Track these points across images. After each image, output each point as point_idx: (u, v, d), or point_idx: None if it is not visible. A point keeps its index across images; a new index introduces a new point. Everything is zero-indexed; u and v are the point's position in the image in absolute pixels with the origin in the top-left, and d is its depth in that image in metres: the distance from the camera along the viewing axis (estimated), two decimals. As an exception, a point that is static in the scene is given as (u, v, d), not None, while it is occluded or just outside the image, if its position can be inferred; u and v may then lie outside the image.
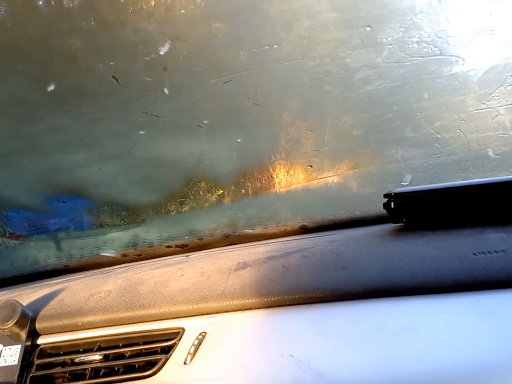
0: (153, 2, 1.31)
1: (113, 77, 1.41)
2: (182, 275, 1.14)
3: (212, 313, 1.00)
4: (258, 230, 1.65)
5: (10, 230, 1.75)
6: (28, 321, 1.05)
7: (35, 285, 1.50)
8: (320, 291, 0.96)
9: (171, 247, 1.70)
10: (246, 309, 0.99)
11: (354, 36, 1.33)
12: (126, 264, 1.64)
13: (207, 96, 1.44)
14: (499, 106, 1.38)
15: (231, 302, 0.99)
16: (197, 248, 1.69)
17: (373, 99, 1.40)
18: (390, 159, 1.45)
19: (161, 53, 1.36)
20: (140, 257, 1.69)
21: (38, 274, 1.70)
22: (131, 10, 1.31)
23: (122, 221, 1.71)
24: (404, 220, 1.22)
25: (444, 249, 0.99)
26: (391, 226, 1.26)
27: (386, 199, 1.22)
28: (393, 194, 1.20)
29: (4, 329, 1.01)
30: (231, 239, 1.66)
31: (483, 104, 1.39)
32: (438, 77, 1.37)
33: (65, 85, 1.46)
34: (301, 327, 0.92)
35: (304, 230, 1.61)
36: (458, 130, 1.41)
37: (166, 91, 1.43)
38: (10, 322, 1.01)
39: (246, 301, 0.99)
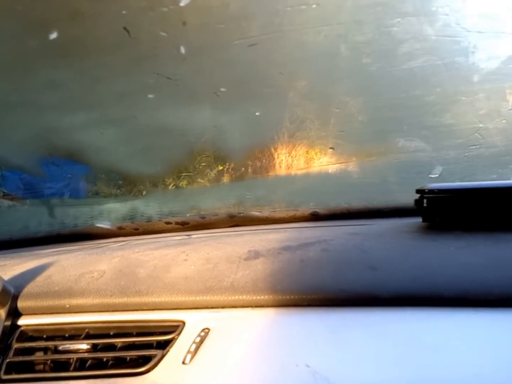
0: None
1: (125, 28, 1.26)
2: (186, 259, 1.02)
3: (218, 307, 0.89)
4: (265, 213, 1.54)
5: (4, 191, 1.63)
6: (9, 298, 0.93)
7: (23, 253, 1.38)
8: (344, 293, 0.84)
9: (170, 223, 1.58)
10: (257, 306, 0.87)
11: (406, 1, 1.18)
12: (121, 238, 1.53)
13: (228, 59, 1.30)
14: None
15: (240, 297, 0.87)
16: (199, 226, 1.57)
17: (415, 77, 1.26)
18: (422, 147, 1.32)
19: (181, 4, 1.21)
20: (137, 231, 1.57)
21: (28, 241, 1.58)
22: None
23: (120, 192, 1.59)
24: (436, 219, 1.10)
25: (489, 256, 0.87)
26: (419, 222, 1.14)
27: (418, 195, 1.09)
28: (426, 190, 1.07)
29: (-20, 306, 0.89)
30: (235, 220, 1.55)
31: (539, 94, 1.25)
32: (494, 57, 1.22)
33: (69, 34, 1.30)
34: (320, 333, 0.80)
35: (315, 217, 1.49)
36: (504, 121, 1.28)
37: (182, 50, 1.28)
38: (-13, 299, 0.88)
39: (258, 297, 0.87)
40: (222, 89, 1.32)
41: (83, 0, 1.25)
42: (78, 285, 0.97)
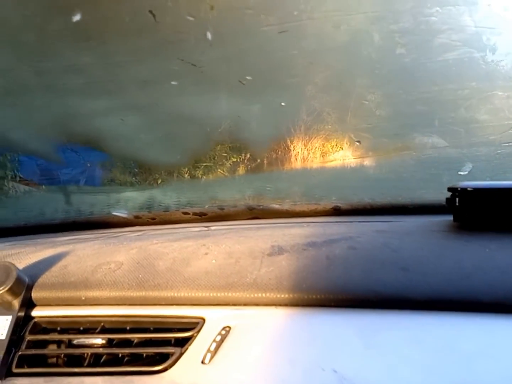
0: None
1: (150, 12, 1.21)
2: (206, 253, 0.98)
3: (240, 305, 0.84)
4: (285, 206, 1.50)
5: (21, 175, 1.61)
6: (23, 288, 0.89)
7: (38, 240, 1.35)
8: (374, 294, 0.80)
9: (188, 214, 1.54)
10: (281, 305, 0.83)
11: None
12: (138, 228, 1.50)
13: (256, 46, 1.25)
14: None
15: (263, 295, 0.83)
16: (217, 218, 1.53)
17: (450, 70, 1.20)
18: (453, 143, 1.26)
19: (210, -13, 1.16)
20: (153, 221, 1.54)
21: (43, 227, 1.56)
22: None
23: (138, 181, 1.55)
24: (469, 218, 1.05)
25: (529, 260, 0.82)
26: (450, 221, 1.09)
27: (450, 193, 1.04)
28: (459, 188, 1.02)
29: (-6, 295, 0.86)
30: (255, 213, 1.51)
31: None
32: (539, 51, 1.16)
33: (92, 17, 1.26)
34: (348, 336, 0.76)
35: (337, 211, 1.44)
36: (542, 118, 1.21)
37: (209, 36, 1.23)
38: (2, 288, 0.86)
39: (282, 296, 0.82)
40: (248, 77, 1.27)
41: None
42: (94, 276, 0.93)
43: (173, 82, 1.33)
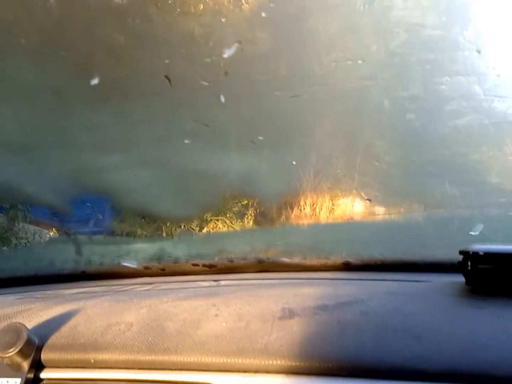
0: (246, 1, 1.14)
1: (166, 76, 1.25)
2: (217, 314, 0.97)
3: (250, 372, 0.83)
4: (295, 259, 1.50)
5: (32, 226, 1.63)
6: (33, 350, 0.89)
7: (48, 293, 1.35)
8: (386, 365, 0.78)
9: (197, 265, 1.54)
10: (292, 373, 0.81)
11: (457, 60, 1.15)
12: (147, 279, 1.49)
13: (269, 109, 1.28)
14: None
15: (274, 362, 0.82)
16: (226, 270, 1.53)
17: (461, 135, 1.22)
18: (464, 203, 1.27)
19: (225, 55, 1.20)
20: (163, 272, 1.54)
21: (53, 277, 1.56)
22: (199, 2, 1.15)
23: (149, 233, 1.56)
24: (481, 283, 1.03)
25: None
26: (461, 284, 1.08)
27: (461, 256, 1.03)
28: (471, 252, 1.01)
29: (4, 357, 0.85)
30: (264, 266, 1.51)
31: None
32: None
33: (110, 80, 1.31)
34: (360, 408, 0.74)
35: (347, 266, 1.44)
36: (554, 182, 1.22)
37: (222, 98, 1.27)
38: (12, 350, 0.85)
39: (293, 364, 0.81)
40: (260, 137, 1.29)
41: (128, 48, 1.25)
42: (104, 338, 0.93)
43: (186, 141, 1.36)
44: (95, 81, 1.25)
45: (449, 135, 1.23)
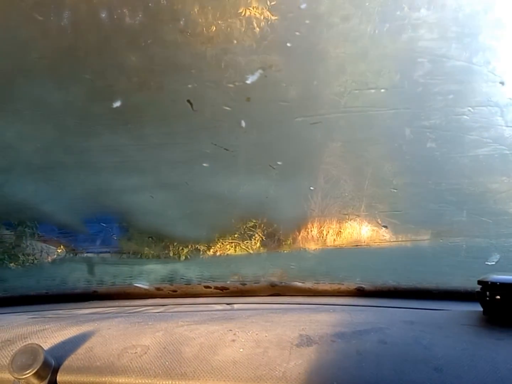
0: (256, 26, 1.16)
1: (188, 101, 1.27)
2: (233, 340, 0.97)
3: (268, 400, 0.82)
4: (308, 284, 1.49)
5: (45, 244, 1.63)
6: (49, 371, 0.88)
7: (60, 313, 1.35)
8: (407, 397, 0.77)
9: (209, 287, 1.54)
10: (310, 403, 0.80)
11: (480, 91, 1.15)
12: (159, 301, 1.49)
13: (288, 135, 1.29)
14: None
15: (294, 391, 0.81)
16: (238, 293, 1.53)
17: (481, 165, 1.22)
18: (481, 233, 1.26)
19: (248, 81, 1.22)
20: (174, 293, 1.54)
21: (65, 296, 1.56)
22: (224, 27, 1.17)
23: (162, 254, 1.56)
24: (499, 313, 1.03)
25: None
26: (479, 313, 1.07)
27: (479, 286, 1.03)
28: (489, 282, 1.01)
29: (20, 379, 0.85)
30: (277, 289, 1.50)
31: None
32: None
33: (132, 103, 1.33)
34: None
35: (361, 292, 1.43)
36: None
37: (243, 123, 1.28)
38: (29, 371, 0.85)
39: (312, 393, 0.80)
40: (279, 162, 1.30)
41: (152, 73, 1.27)
42: (120, 361, 0.92)
43: (204, 164, 1.37)
44: (117, 103, 1.26)
45: (469, 164, 1.24)
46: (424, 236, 1.33)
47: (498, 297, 1.00)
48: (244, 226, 1.45)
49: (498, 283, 1.01)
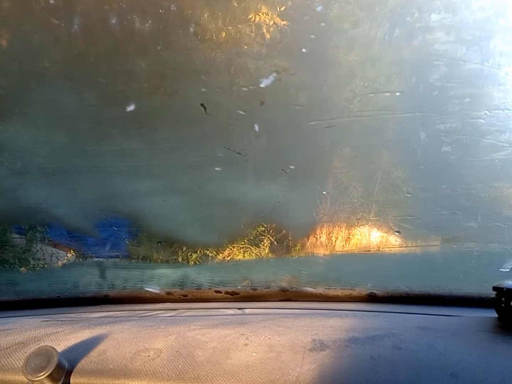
0: (266, 31, 1.17)
1: (202, 105, 1.27)
2: (246, 344, 0.96)
3: (281, 404, 0.82)
4: (319, 289, 1.49)
5: (57, 248, 1.64)
6: (63, 374, 0.88)
7: (72, 316, 1.35)
8: (422, 403, 0.76)
9: (220, 292, 1.54)
10: (325, 407, 0.80)
11: (496, 94, 1.15)
12: (170, 305, 1.49)
13: (302, 139, 1.29)
14: None
15: (307, 395, 0.80)
16: (249, 298, 1.53)
17: (496, 169, 1.21)
18: (496, 239, 1.25)
19: (262, 85, 1.22)
20: (185, 298, 1.54)
21: (76, 300, 1.56)
22: (234, 33, 1.18)
23: (173, 258, 1.56)
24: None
25: None
26: (494, 320, 1.06)
27: (494, 292, 1.02)
28: (505, 289, 1.00)
29: (34, 380, 0.85)
30: (288, 294, 1.50)
31: None
32: None
33: (147, 107, 1.33)
34: None
35: (372, 298, 1.42)
36: None
37: (256, 127, 1.28)
38: (42, 373, 0.85)
39: (325, 398, 0.80)
40: (292, 167, 1.30)
41: (164, 78, 1.28)
42: (133, 364, 0.92)
43: (217, 168, 1.37)
44: (131, 107, 1.27)
45: (484, 169, 1.23)
46: (437, 241, 1.32)
47: (505, 301, 0.99)
48: (255, 231, 1.45)
49: (509, 289, 1.00)
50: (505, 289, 1.00)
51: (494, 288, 1.02)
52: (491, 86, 1.17)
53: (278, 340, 0.98)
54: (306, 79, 1.24)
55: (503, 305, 1.01)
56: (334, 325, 1.07)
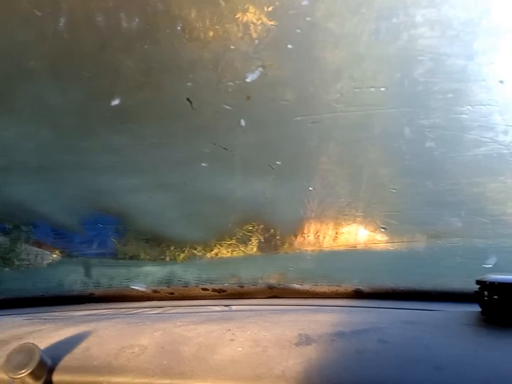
0: (253, 31, 1.16)
1: (188, 99, 1.27)
2: (232, 339, 0.96)
3: (268, 399, 0.81)
4: (306, 286, 1.48)
5: (41, 246, 1.63)
6: (45, 371, 0.87)
7: (56, 314, 1.34)
8: (408, 395, 0.77)
9: (207, 290, 1.53)
10: (309, 401, 0.80)
11: (480, 90, 1.15)
12: (156, 303, 1.48)
13: (288, 134, 1.28)
14: None
15: (293, 389, 0.80)
16: (236, 295, 1.52)
17: (479, 164, 1.22)
18: (479, 234, 1.26)
19: (248, 80, 1.21)
20: (171, 296, 1.52)
21: (60, 299, 1.54)
22: (221, 32, 1.17)
23: (160, 256, 1.55)
24: (498, 314, 1.02)
25: None
26: (478, 313, 1.07)
27: (477, 286, 1.02)
28: (488, 282, 1.00)
29: (15, 378, 0.84)
30: (275, 291, 1.49)
31: None
32: None
33: (132, 102, 1.32)
34: None
35: (358, 294, 1.42)
36: None
37: (242, 123, 1.28)
38: (24, 371, 0.84)
39: (311, 391, 0.80)
40: (278, 162, 1.30)
41: (153, 73, 1.27)
42: (118, 361, 0.91)
43: (203, 164, 1.36)
44: (116, 101, 1.26)
45: (468, 164, 1.23)
46: (423, 237, 1.33)
47: (496, 296, 1.00)
48: (243, 228, 1.44)
49: (496, 283, 1.01)
50: (488, 283, 1.01)
51: (477, 282, 1.03)
52: (474, 81, 1.18)
53: (264, 335, 0.98)
54: (292, 75, 1.24)
55: (486, 298, 1.02)
56: (320, 320, 1.07)
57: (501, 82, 1.14)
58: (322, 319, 1.07)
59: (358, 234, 1.40)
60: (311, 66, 1.23)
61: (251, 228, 1.45)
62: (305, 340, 0.94)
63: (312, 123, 1.24)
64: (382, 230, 1.36)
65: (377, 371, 0.82)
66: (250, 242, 1.46)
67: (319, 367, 0.84)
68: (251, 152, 1.34)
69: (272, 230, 1.44)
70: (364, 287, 1.42)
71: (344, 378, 0.81)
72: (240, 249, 1.50)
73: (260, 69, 1.20)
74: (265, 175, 1.33)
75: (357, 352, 0.88)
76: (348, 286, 1.43)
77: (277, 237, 1.45)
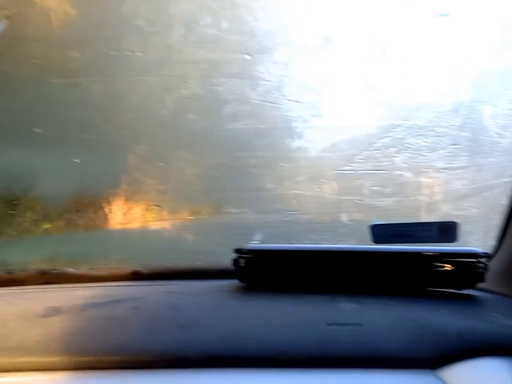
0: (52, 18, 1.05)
1: None
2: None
3: (3, 371, 0.75)
4: (82, 270, 1.42)
5: None
6: None
7: None
8: (149, 354, 0.78)
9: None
10: (48, 370, 0.76)
11: (232, 62, 1.20)
12: None
13: (46, 98, 1.19)
14: (361, 170, 1.33)
15: (28, 359, 0.76)
16: (3, 283, 1.38)
17: (238, 138, 1.28)
18: (245, 209, 1.33)
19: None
20: None
21: None
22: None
23: None
24: (253, 279, 1.09)
25: (296, 315, 0.88)
26: (237, 283, 1.13)
27: (236, 255, 1.08)
28: (245, 250, 1.07)
29: None
30: (47, 278, 1.40)
31: (348, 165, 1.33)
32: (312, 127, 1.29)
33: None
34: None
35: (137, 276, 1.40)
36: (318, 189, 1.34)
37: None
38: None
39: (49, 359, 0.76)
40: (37, 130, 1.19)
41: None
42: None
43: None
44: None
45: (229, 138, 1.29)
46: (194, 214, 1.36)
47: (249, 262, 1.06)
48: (5, 204, 1.32)
49: (251, 250, 1.08)
50: (244, 250, 1.07)
51: (236, 250, 1.08)
52: (227, 53, 1.22)
53: (9, 309, 0.91)
54: (46, 30, 1.16)
55: (241, 265, 1.08)
56: (77, 295, 1.03)
57: (249, 55, 1.20)
58: (80, 294, 1.04)
59: (132, 213, 1.38)
60: (74, 27, 1.17)
61: (13, 204, 1.33)
62: (53, 312, 0.90)
63: (69, 87, 1.17)
64: (156, 208, 1.36)
65: (121, 333, 0.81)
66: (14, 222, 1.34)
67: (61, 336, 0.80)
68: (4, 117, 1.21)
69: (39, 208, 1.34)
70: (142, 268, 1.41)
71: (85, 343, 0.79)
72: (5, 230, 1.37)
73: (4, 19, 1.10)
74: (26, 144, 1.22)
75: (105, 318, 0.87)
76: (127, 268, 1.40)
77: (45, 216, 1.35)
